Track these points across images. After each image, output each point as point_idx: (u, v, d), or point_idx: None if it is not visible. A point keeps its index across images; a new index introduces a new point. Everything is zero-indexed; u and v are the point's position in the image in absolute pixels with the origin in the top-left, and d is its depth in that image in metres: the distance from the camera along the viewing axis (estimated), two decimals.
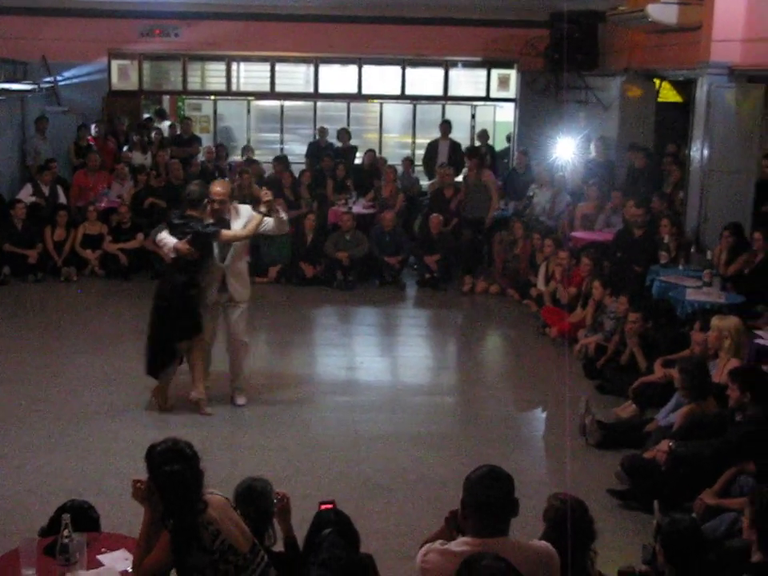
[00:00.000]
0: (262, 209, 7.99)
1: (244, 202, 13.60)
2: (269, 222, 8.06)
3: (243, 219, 8.06)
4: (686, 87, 13.72)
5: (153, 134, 15.87)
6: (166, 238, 7.97)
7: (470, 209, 13.60)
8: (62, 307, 12.05)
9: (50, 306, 12.12)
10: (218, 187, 8.00)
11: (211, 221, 7.89)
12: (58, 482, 6.69)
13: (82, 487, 6.56)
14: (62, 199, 13.96)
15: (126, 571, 4.13)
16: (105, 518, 5.57)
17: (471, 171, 13.94)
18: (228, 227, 7.97)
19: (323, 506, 4.64)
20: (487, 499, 3.57)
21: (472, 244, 13.61)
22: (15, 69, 15.97)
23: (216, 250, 8.04)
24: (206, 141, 16.80)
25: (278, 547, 4.63)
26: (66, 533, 4.01)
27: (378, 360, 10.39)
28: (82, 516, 4.50)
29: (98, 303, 12.26)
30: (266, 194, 8.06)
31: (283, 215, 8.25)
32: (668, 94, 14.81)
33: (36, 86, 16.00)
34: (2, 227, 12.97)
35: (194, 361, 8.10)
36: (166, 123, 17.26)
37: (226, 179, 14.26)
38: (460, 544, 3.57)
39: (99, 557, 4.25)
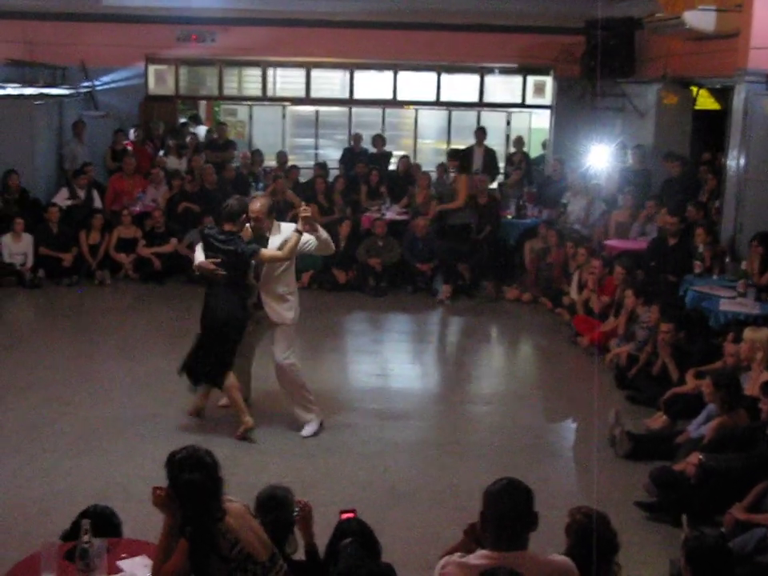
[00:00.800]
0: (299, 226, 7.63)
1: (278, 208, 13.87)
2: (311, 241, 7.76)
3: (283, 236, 7.69)
4: (723, 95, 13.60)
5: (188, 139, 15.94)
6: (196, 252, 7.91)
7: (452, 215, 13.46)
8: (96, 311, 12.14)
9: (84, 309, 12.22)
10: (254, 204, 7.67)
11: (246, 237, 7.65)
12: (86, 486, 6.73)
13: (110, 491, 6.60)
14: (98, 203, 14.08)
15: None
16: (131, 523, 5.61)
17: (442, 171, 14.00)
18: (266, 244, 7.64)
19: (344, 515, 4.63)
20: (506, 512, 3.53)
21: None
22: (54, 74, 16.14)
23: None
24: (242, 146, 16.86)
25: (300, 555, 4.62)
26: (86, 538, 4.02)
27: (407, 367, 10.36)
28: (104, 521, 4.51)
29: (132, 307, 12.34)
30: (304, 210, 7.75)
31: (323, 233, 7.90)
32: (705, 101, 14.69)
33: (74, 91, 16.16)
34: (37, 230, 13.10)
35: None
36: (201, 128, 17.36)
37: (260, 193, 14.39)
38: (479, 557, 3.54)
39: (119, 562, 4.26)
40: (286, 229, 7.77)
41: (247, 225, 7.70)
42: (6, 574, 4.24)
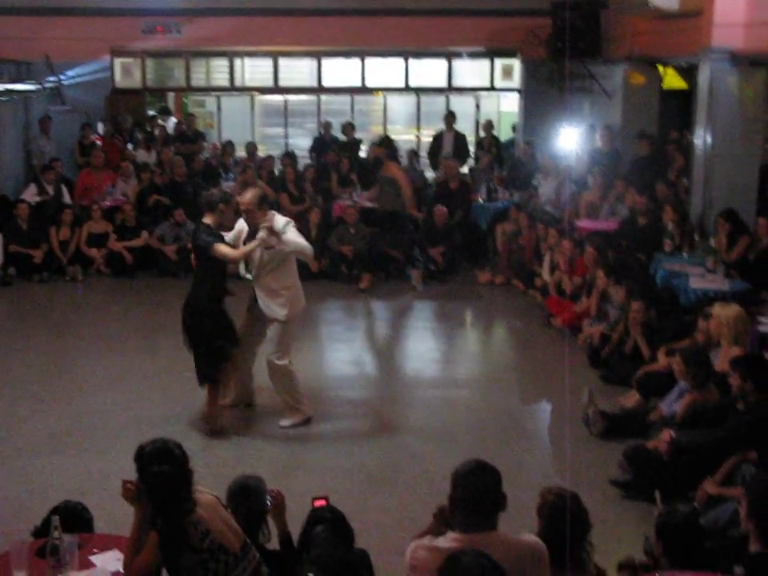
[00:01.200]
0: (261, 234, 7.39)
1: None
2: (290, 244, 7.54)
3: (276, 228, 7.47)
4: (690, 73, 13.65)
5: (157, 132, 15.86)
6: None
7: (382, 201, 13.40)
8: (68, 307, 12.08)
9: (56, 305, 12.15)
10: (244, 196, 7.56)
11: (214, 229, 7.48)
12: (61, 483, 6.70)
13: (85, 488, 6.57)
14: (67, 198, 13.98)
15: (118, 572, 4.12)
16: (107, 519, 5.62)
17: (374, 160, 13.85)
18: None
19: (316, 502, 4.64)
20: (474, 494, 3.55)
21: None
22: (19, 69, 15.98)
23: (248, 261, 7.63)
24: (211, 137, 16.80)
25: (274, 545, 4.63)
26: (56, 534, 4.01)
27: (382, 354, 10.37)
28: (75, 517, 4.50)
29: (104, 302, 12.28)
30: (266, 220, 7.44)
31: (291, 245, 7.55)
32: (673, 80, 14.73)
33: (40, 86, 16.01)
34: (7, 227, 13.01)
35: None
36: (172, 120, 17.27)
37: (230, 184, 14.34)
38: (448, 540, 3.55)
39: (91, 557, 4.25)
40: (280, 222, 7.55)
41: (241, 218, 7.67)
42: None
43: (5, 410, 8.17)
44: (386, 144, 13.98)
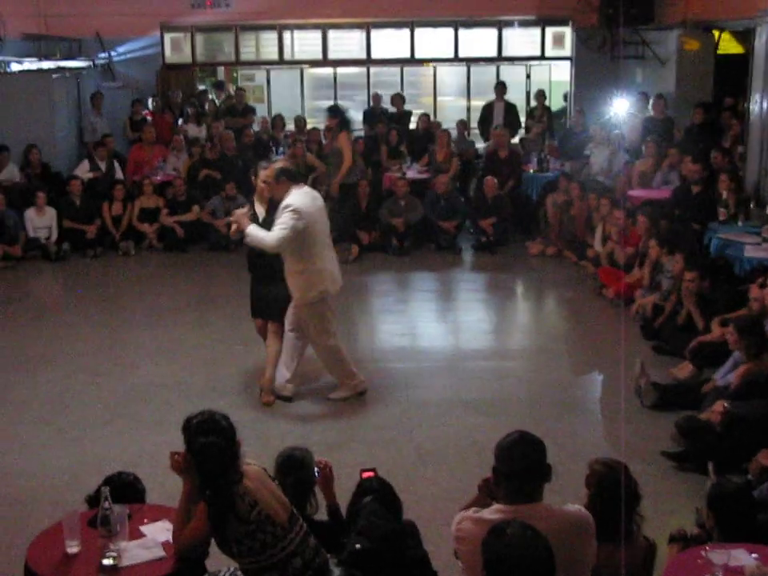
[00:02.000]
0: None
1: (298, 172, 13.83)
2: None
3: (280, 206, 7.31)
4: (746, 37, 13.36)
5: (207, 106, 15.91)
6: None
7: (330, 173, 13.19)
8: (121, 281, 12.23)
9: (109, 280, 12.30)
10: (264, 169, 7.55)
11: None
12: (114, 455, 6.78)
13: (137, 459, 6.66)
14: (119, 174, 14.12)
15: (167, 542, 4.16)
16: (159, 490, 5.69)
17: (328, 132, 13.67)
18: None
19: (364, 474, 4.64)
20: (518, 465, 3.52)
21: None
22: (70, 46, 16.15)
23: None
24: (261, 111, 16.81)
25: (322, 516, 4.65)
26: (105, 505, 4.06)
27: (433, 325, 10.35)
28: (128, 488, 4.55)
29: (156, 276, 12.39)
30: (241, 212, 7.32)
31: (251, 235, 7.26)
32: (728, 45, 14.47)
33: (91, 63, 16.16)
34: (60, 203, 13.17)
35: (267, 345, 7.88)
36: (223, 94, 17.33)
37: (280, 157, 14.34)
38: (493, 511, 3.54)
39: (141, 527, 4.29)
40: (285, 200, 7.31)
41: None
42: (31, 544, 4.29)
43: (60, 383, 8.30)
44: (337, 113, 13.42)
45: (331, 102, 17.42)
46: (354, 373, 7.87)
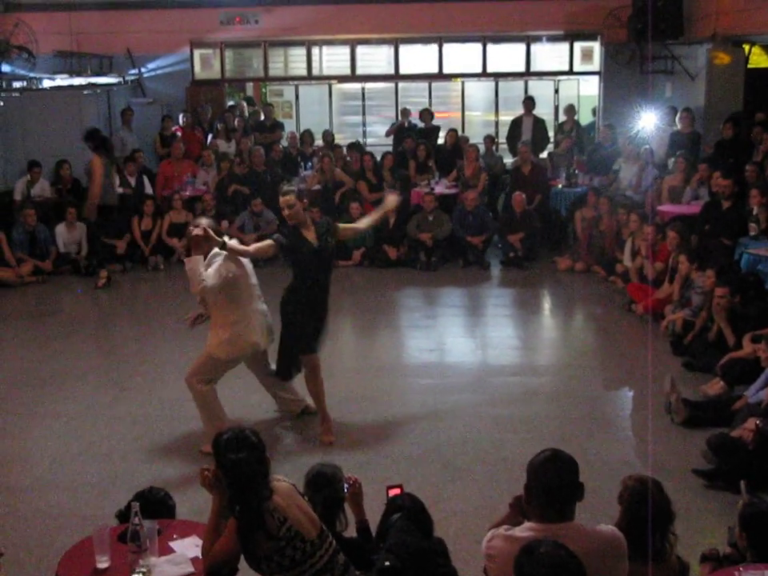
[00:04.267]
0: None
1: (326, 187, 13.90)
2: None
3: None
4: None
5: (236, 122, 16.01)
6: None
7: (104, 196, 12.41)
8: (150, 295, 12.30)
9: (138, 294, 12.37)
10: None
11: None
12: (144, 470, 6.81)
13: (166, 474, 6.68)
14: (148, 189, 14.21)
15: (197, 558, 4.16)
16: (189, 505, 5.70)
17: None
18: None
19: (391, 491, 4.63)
20: (550, 484, 3.50)
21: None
22: (101, 63, 16.33)
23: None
24: (289, 126, 16.89)
25: (351, 532, 4.63)
26: (136, 520, 4.07)
27: (461, 341, 10.32)
28: (159, 503, 4.56)
29: (185, 291, 12.27)
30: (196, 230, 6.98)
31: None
32: (759, 59, 14.36)
33: (121, 79, 16.32)
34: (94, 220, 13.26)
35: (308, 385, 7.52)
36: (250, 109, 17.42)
37: (308, 173, 14.42)
38: (524, 530, 3.51)
39: (171, 543, 4.30)
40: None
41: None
42: (62, 558, 4.30)
43: (89, 397, 8.35)
44: (93, 137, 12.41)
45: (359, 117, 17.56)
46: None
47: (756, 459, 6.19)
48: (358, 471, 5.30)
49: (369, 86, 17.77)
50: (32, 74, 15.12)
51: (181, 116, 15.97)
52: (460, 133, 15.92)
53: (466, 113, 17.69)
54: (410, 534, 4.22)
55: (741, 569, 4.10)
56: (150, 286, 12.71)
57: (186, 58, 16.81)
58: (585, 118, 17.10)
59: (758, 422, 6.30)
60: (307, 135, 15.83)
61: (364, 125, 17.87)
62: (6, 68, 14.49)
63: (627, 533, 3.80)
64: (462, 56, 17.25)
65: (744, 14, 12.89)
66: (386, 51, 17.30)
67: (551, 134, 16.20)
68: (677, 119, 13.60)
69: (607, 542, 3.54)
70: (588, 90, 17.52)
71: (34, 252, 12.73)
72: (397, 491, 4.64)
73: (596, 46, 16.89)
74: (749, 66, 14.02)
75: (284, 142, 15.82)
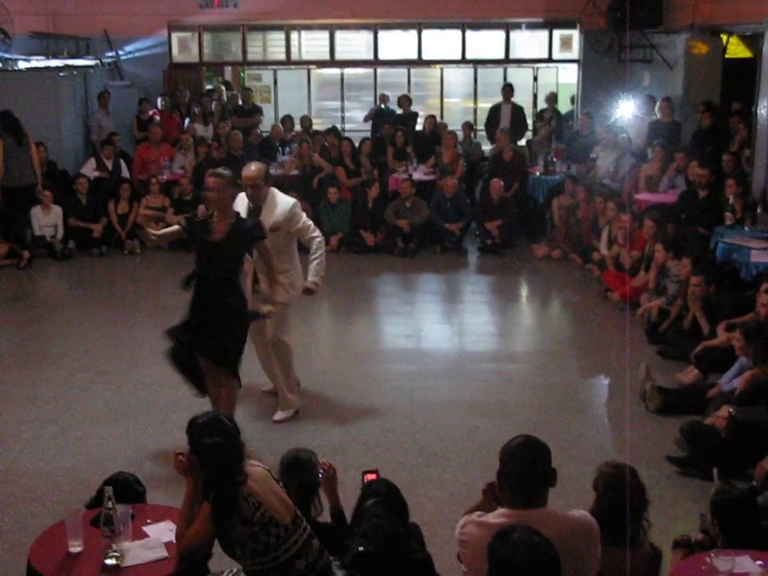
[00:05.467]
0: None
1: (305, 172, 13.86)
2: None
3: (278, 211, 7.06)
4: (754, 42, 13.32)
5: (214, 105, 15.92)
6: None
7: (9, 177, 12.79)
8: (126, 280, 12.25)
9: (114, 278, 12.31)
10: (247, 171, 6.95)
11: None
12: (117, 454, 6.80)
13: (141, 459, 6.68)
14: (125, 173, 14.12)
15: (170, 542, 4.15)
16: (163, 490, 5.69)
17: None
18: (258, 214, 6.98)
19: (367, 476, 4.63)
20: (523, 470, 3.50)
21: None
22: (78, 45, 16.18)
23: None
24: (267, 111, 16.83)
25: (326, 517, 4.64)
26: (109, 504, 4.05)
27: (438, 327, 10.33)
28: (127, 489, 4.53)
29: (161, 275, 12.38)
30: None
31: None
32: (736, 49, 14.41)
33: (98, 62, 16.19)
34: (67, 202, 13.19)
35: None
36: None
37: (286, 158, 14.36)
38: (497, 516, 3.52)
39: (144, 528, 4.28)
40: (283, 202, 7.14)
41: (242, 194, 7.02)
42: (34, 542, 4.28)
43: (64, 381, 8.30)
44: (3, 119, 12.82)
45: (337, 103, 17.50)
46: (295, 382, 7.63)
47: (728, 447, 6.24)
48: (333, 457, 5.29)
49: (348, 71, 17.73)
50: (7, 55, 14.96)
51: (159, 99, 15.86)
52: (438, 119, 15.89)
53: (445, 99, 17.66)
54: (385, 519, 4.22)
55: (712, 555, 4.13)
56: (126, 270, 12.64)
57: (163, 40, 16.67)
58: (563, 105, 17.11)
59: (731, 409, 6.35)
60: (288, 120, 15.75)
61: (342, 110, 17.82)
62: None
63: (601, 519, 3.82)
64: (441, 42, 17.21)
65: (722, 4, 12.94)
66: (365, 36, 17.23)
67: (530, 121, 16.20)
68: (656, 108, 13.64)
69: (579, 527, 3.55)
70: (567, 77, 17.55)
71: (9, 235, 12.62)
72: (373, 476, 4.64)
73: (575, 34, 16.90)
74: (726, 56, 14.07)
75: (265, 131, 15.73)
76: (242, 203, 7.02)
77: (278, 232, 7.03)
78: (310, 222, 7.32)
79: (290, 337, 7.53)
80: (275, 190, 7.22)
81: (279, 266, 7.04)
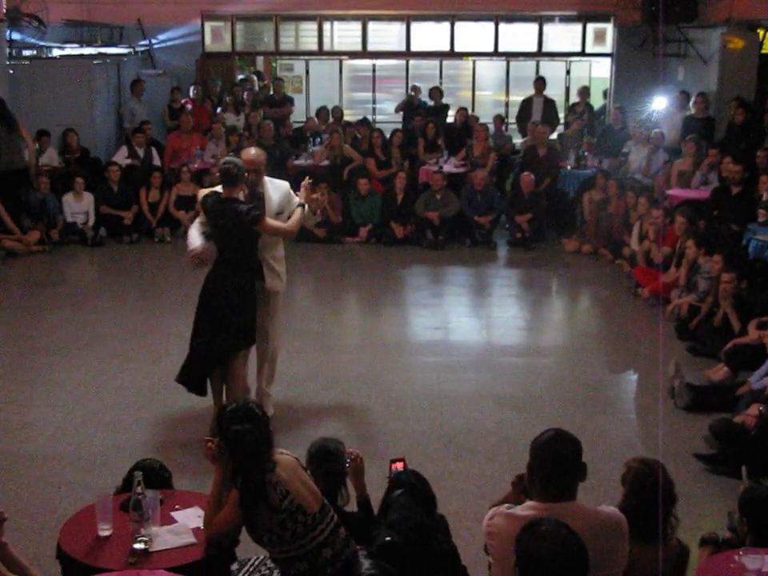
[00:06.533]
0: (302, 199, 6.84)
1: (335, 163, 13.87)
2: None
3: (278, 196, 6.94)
4: None
5: (245, 95, 15.96)
6: (192, 237, 7.03)
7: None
8: (156, 267, 12.32)
9: (145, 266, 12.39)
10: (251, 155, 6.84)
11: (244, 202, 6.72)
12: (146, 439, 6.86)
13: (171, 445, 6.72)
14: (157, 161, 14.19)
15: (198, 528, 4.18)
16: (192, 476, 5.73)
17: None
18: (261, 201, 6.87)
19: (393, 465, 4.64)
20: (553, 463, 3.50)
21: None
22: (111, 33, 16.28)
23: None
24: (299, 101, 16.85)
25: (352, 507, 4.65)
26: (138, 489, 4.08)
27: (466, 320, 10.32)
28: (153, 475, 4.55)
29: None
30: (310, 193, 6.93)
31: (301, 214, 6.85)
32: None
33: (132, 50, 16.27)
34: (98, 189, 13.27)
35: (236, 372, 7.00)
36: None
37: (317, 148, 14.37)
38: (526, 508, 3.52)
39: (173, 513, 4.31)
40: (282, 187, 7.03)
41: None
42: (64, 526, 4.32)
43: (94, 367, 8.36)
44: None
45: (369, 94, 17.48)
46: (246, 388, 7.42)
47: (758, 445, 6.19)
48: (361, 447, 5.30)
49: (379, 62, 17.69)
50: (42, 43, 15.04)
51: (191, 88, 15.91)
52: (470, 112, 15.84)
53: (477, 92, 17.60)
54: (412, 510, 4.23)
55: (741, 553, 4.10)
56: (156, 258, 12.71)
57: (197, 29, 16.72)
58: (596, 100, 17.00)
59: (761, 407, 6.30)
60: (323, 111, 15.75)
61: (374, 102, 17.80)
62: (16, 36, 14.42)
63: (630, 514, 3.80)
64: (474, 35, 17.14)
65: None
66: (398, 28, 17.20)
67: (561, 115, 16.13)
68: (691, 104, 13.52)
69: (609, 523, 3.54)
70: (600, 71, 17.43)
71: (41, 221, 12.72)
72: (400, 465, 4.65)
73: (609, 28, 16.79)
74: (762, 51, 13.93)
75: (297, 121, 15.76)
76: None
77: (282, 215, 6.94)
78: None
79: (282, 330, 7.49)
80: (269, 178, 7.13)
81: (276, 254, 7.09)
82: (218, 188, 6.80)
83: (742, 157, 11.25)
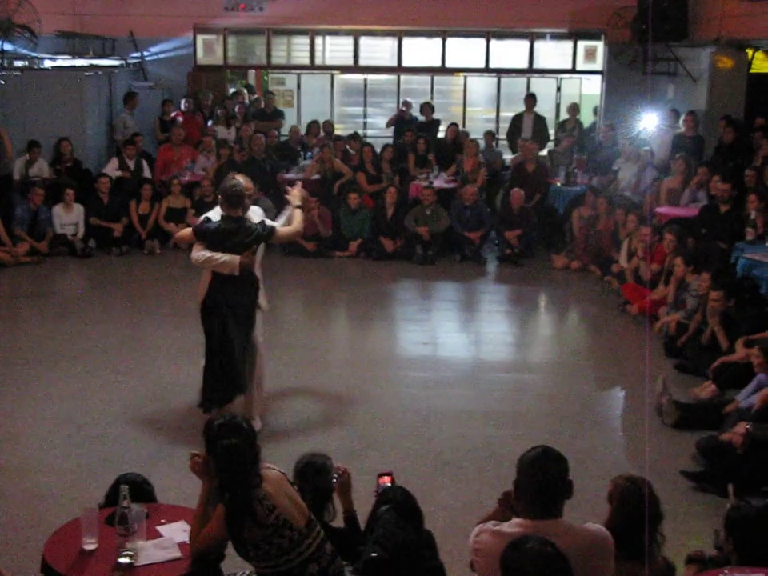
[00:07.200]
0: (296, 202, 7.12)
1: (325, 177, 13.89)
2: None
3: (258, 216, 7.14)
4: None
5: (236, 108, 15.98)
6: (217, 255, 6.91)
7: None
8: (146, 280, 12.30)
9: (134, 278, 12.37)
10: (244, 181, 6.98)
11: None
12: (133, 453, 6.83)
13: (156, 459, 6.70)
14: (147, 173, 14.19)
15: (184, 543, 4.17)
16: (178, 491, 5.70)
17: None
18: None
19: (381, 479, 4.63)
20: (539, 480, 3.50)
21: None
22: (103, 45, 16.27)
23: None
24: (290, 115, 16.87)
25: (339, 522, 4.64)
26: (125, 503, 4.07)
27: (455, 335, 10.32)
28: (136, 489, 4.52)
29: (181, 276, 12.38)
30: (298, 189, 7.24)
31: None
32: (761, 64, 14.36)
33: (123, 62, 16.28)
34: (88, 201, 13.27)
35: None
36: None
37: (308, 162, 14.41)
38: (512, 525, 3.52)
39: (158, 527, 4.30)
40: (256, 210, 7.20)
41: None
42: (49, 539, 4.31)
43: (82, 379, 8.34)
44: None
45: (360, 109, 17.51)
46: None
47: (744, 463, 6.20)
48: (348, 462, 5.29)
49: (371, 77, 17.74)
50: (34, 54, 15.04)
51: (182, 101, 15.92)
52: (461, 127, 15.88)
53: (468, 108, 17.66)
54: (399, 526, 4.22)
55: (726, 571, 4.11)
56: (145, 271, 12.69)
57: (188, 42, 16.75)
58: (586, 117, 17.07)
59: (747, 426, 6.31)
60: (314, 125, 15.78)
61: (365, 116, 17.84)
62: (7, 47, 14.41)
63: (616, 532, 3.81)
64: (465, 51, 17.21)
65: (748, 19, 12.90)
66: (390, 43, 17.24)
67: (551, 131, 16.20)
68: (680, 122, 13.59)
69: (595, 541, 3.54)
70: (590, 89, 17.51)
71: (32, 232, 12.71)
72: (387, 479, 4.64)
73: (600, 46, 16.87)
74: (751, 70, 14.03)
75: (285, 134, 15.78)
76: (216, 214, 7.02)
77: None
78: None
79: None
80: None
81: (257, 274, 7.20)
82: (210, 214, 7.00)
83: (731, 175, 11.32)
